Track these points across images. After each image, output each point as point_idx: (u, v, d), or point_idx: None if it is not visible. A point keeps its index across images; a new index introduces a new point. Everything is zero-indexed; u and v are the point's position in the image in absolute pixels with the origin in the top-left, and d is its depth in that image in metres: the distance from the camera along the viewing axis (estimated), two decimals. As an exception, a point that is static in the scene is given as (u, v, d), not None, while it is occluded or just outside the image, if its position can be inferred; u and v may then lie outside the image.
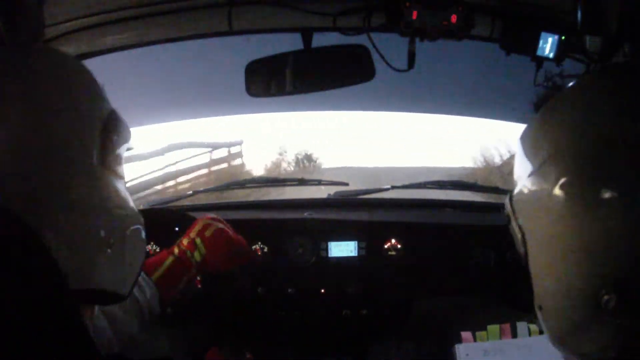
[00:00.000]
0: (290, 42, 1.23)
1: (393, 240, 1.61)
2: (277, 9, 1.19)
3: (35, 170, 0.54)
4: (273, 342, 1.65)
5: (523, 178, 0.60)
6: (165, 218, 1.53)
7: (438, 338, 1.47)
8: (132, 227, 0.66)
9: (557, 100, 0.59)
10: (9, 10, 0.61)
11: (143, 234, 0.69)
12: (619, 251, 0.49)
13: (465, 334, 1.19)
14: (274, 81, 1.26)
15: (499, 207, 2.10)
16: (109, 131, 0.63)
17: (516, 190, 0.62)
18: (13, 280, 0.47)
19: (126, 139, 0.68)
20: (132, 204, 0.68)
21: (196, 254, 1.12)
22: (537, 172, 0.57)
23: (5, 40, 0.61)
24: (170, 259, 1.10)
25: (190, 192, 1.95)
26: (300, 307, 1.61)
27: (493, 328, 1.19)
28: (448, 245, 1.61)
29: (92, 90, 0.64)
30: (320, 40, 1.23)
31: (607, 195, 0.50)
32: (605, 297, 0.50)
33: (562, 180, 0.53)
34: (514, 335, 1.19)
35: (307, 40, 1.22)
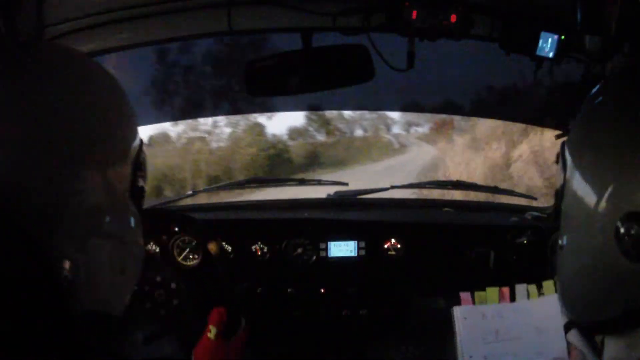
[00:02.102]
0: (290, 42, 1.23)
1: (393, 240, 1.61)
2: (277, 9, 1.19)
3: (68, 192, 0.53)
4: (273, 342, 1.65)
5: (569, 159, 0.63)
6: (165, 218, 1.53)
7: (438, 338, 1.48)
8: (140, 261, 0.67)
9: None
10: (9, 11, 0.61)
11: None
12: None
13: (464, 295, 1.18)
14: (273, 81, 1.26)
15: (499, 207, 2.10)
16: (140, 162, 0.62)
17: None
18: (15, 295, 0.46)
19: (147, 172, 0.66)
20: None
21: None
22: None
23: (5, 41, 0.60)
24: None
25: (190, 192, 1.95)
26: (300, 307, 1.61)
27: (492, 290, 1.19)
28: (447, 245, 1.61)
29: (130, 117, 0.62)
30: (320, 40, 1.23)
31: None
32: (623, 229, 0.51)
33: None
34: (513, 298, 1.18)
35: (307, 40, 1.22)
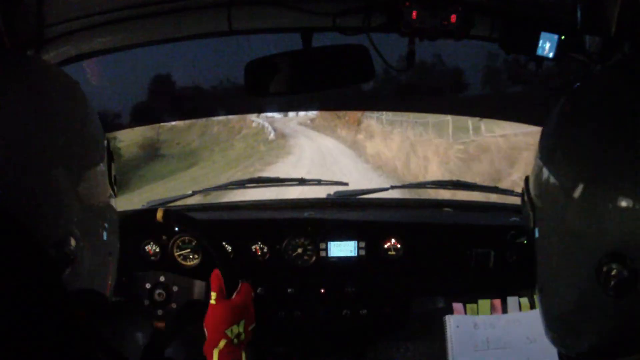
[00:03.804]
0: (290, 42, 1.23)
1: (393, 240, 1.61)
2: (277, 8, 1.19)
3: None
4: (273, 342, 1.65)
5: (538, 160, 0.61)
6: (165, 218, 1.53)
7: (437, 338, 1.48)
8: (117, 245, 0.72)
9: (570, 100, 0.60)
10: (9, 11, 0.61)
11: None
12: (623, 226, 0.49)
13: (457, 305, 1.20)
14: (273, 81, 1.26)
15: (499, 207, 2.10)
16: (111, 156, 0.67)
17: (532, 171, 0.63)
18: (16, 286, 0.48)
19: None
20: None
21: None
22: (551, 159, 0.59)
23: (5, 41, 0.61)
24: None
25: (190, 192, 1.95)
26: (300, 307, 1.61)
27: (484, 302, 1.20)
28: (447, 245, 1.61)
29: (96, 122, 0.67)
30: (320, 40, 1.23)
31: (621, 183, 0.50)
32: (605, 268, 0.50)
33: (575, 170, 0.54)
34: (505, 310, 1.20)
35: (306, 40, 1.22)
